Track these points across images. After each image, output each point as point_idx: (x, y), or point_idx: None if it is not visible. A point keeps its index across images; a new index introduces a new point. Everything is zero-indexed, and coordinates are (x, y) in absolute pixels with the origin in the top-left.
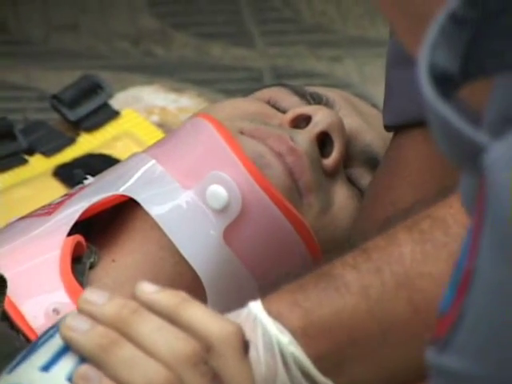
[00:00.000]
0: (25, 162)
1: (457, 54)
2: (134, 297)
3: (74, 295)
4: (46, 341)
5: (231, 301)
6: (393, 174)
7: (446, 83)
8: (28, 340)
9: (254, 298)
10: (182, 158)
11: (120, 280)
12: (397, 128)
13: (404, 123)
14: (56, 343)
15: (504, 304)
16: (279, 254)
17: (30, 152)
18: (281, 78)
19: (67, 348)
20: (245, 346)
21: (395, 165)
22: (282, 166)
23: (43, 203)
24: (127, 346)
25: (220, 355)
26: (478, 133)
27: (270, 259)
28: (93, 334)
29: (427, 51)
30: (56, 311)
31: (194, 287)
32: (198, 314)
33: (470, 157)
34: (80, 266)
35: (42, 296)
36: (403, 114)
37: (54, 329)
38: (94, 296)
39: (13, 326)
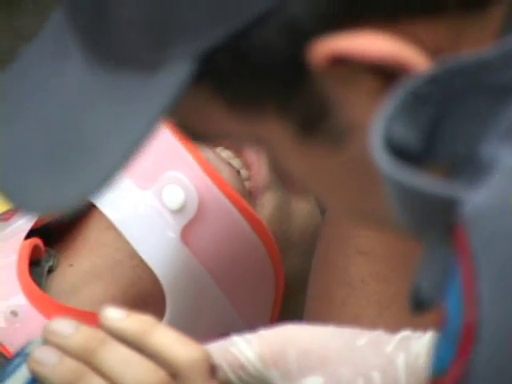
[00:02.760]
0: None
1: (419, 130)
2: (101, 324)
3: (32, 297)
4: (14, 371)
5: (191, 302)
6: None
7: (405, 159)
8: None
9: (212, 298)
10: (139, 159)
11: (78, 285)
12: None
13: None
14: (24, 375)
15: None
16: (237, 252)
17: None
18: None
19: (35, 380)
20: (211, 370)
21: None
22: (230, 170)
23: (1, 210)
24: (95, 380)
25: (186, 382)
26: (451, 186)
27: (229, 258)
28: (61, 369)
29: (383, 123)
30: (14, 313)
31: (154, 290)
32: (164, 341)
33: (440, 215)
34: (39, 270)
35: (0, 299)
36: None
37: (20, 357)
38: (60, 326)
39: None
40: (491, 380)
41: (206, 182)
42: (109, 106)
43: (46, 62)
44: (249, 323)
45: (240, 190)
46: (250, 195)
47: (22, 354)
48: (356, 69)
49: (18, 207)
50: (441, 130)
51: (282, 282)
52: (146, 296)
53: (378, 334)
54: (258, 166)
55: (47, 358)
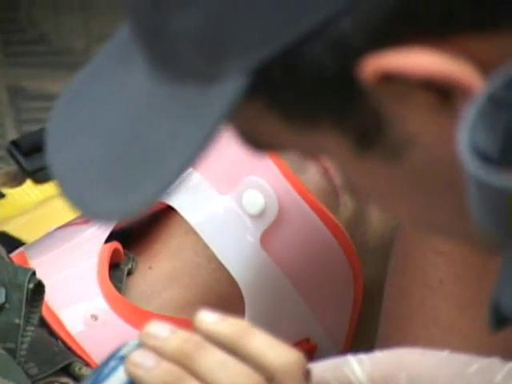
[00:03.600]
0: None
1: (496, 137)
2: (196, 327)
3: (111, 301)
4: (110, 374)
5: (269, 307)
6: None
7: (486, 164)
8: (66, 345)
9: (291, 303)
10: (219, 164)
11: (157, 287)
12: None
13: None
14: (120, 378)
15: None
16: (316, 258)
17: None
18: None
19: (132, 383)
20: (306, 374)
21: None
22: (316, 168)
23: None
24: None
25: None
26: None
27: (308, 264)
28: (158, 372)
29: (467, 131)
30: (94, 317)
31: (232, 294)
32: (260, 345)
33: None
34: (118, 273)
35: (80, 302)
36: None
37: (114, 360)
38: (156, 329)
39: (52, 331)
40: None
41: (286, 186)
42: (168, 115)
43: (112, 69)
44: (327, 328)
45: (324, 187)
46: (337, 194)
47: (117, 357)
48: (409, 85)
49: (83, 214)
50: None
51: (361, 286)
52: (224, 300)
53: (491, 362)
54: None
55: (145, 361)
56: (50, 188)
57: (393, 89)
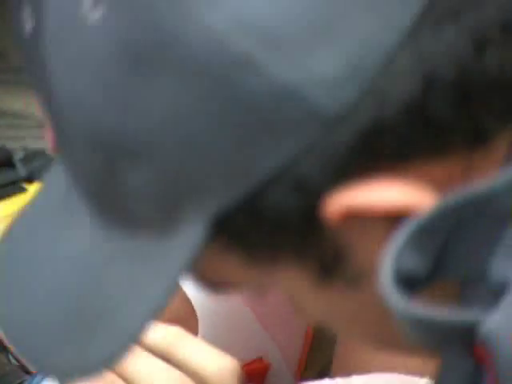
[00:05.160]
0: (24, 190)
1: (427, 257)
2: None
3: None
4: None
5: (222, 325)
6: None
7: (413, 282)
8: (19, 362)
9: (245, 322)
10: None
11: None
12: None
13: None
14: None
15: None
16: None
17: (29, 181)
18: None
19: None
20: (240, 381)
21: None
22: None
23: None
24: None
25: None
26: (469, 312)
27: None
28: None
29: (393, 260)
30: None
31: (185, 312)
32: (192, 351)
33: (459, 338)
34: None
35: None
36: None
37: (38, 376)
38: None
39: (3, 348)
40: None
41: None
42: (124, 268)
43: (54, 220)
44: (281, 347)
45: None
46: None
47: (42, 374)
48: (371, 219)
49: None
50: (450, 251)
51: None
52: (178, 318)
53: None
54: None
55: None
56: (6, 207)
57: (356, 223)
